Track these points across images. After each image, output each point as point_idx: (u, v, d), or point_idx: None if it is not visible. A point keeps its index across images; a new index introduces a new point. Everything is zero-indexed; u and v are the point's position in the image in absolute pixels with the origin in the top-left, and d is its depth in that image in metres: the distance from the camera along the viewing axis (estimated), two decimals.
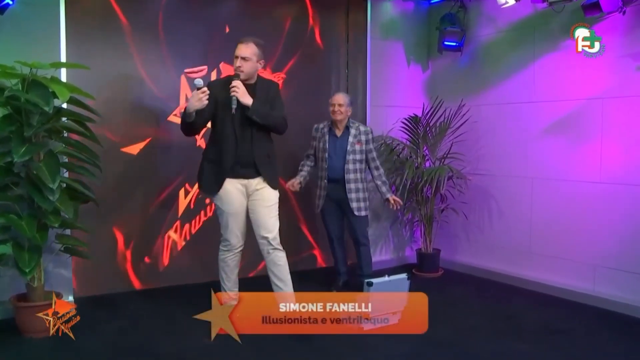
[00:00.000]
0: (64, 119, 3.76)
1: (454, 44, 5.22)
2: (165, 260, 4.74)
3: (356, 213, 4.49)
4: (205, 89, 3.46)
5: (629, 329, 3.95)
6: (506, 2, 4.42)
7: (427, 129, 5.23)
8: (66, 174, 3.90)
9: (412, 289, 3.86)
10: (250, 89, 3.65)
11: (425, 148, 5.31)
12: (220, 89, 3.65)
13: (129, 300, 4.41)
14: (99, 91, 4.15)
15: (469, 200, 5.30)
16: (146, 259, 4.65)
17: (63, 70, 4.07)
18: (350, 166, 4.45)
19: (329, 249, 4.87)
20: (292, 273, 3.83)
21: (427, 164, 5.35)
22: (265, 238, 3.72)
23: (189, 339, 3.70)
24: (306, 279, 4.84)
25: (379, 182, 4.59)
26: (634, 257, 4.19)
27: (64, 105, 3.74)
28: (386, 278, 3.79)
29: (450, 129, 5.24)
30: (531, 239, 4.92)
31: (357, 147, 4.47)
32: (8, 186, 3.61)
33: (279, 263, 3.73)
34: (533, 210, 4.90)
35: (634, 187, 4.17)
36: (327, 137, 4.51)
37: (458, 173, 5.12)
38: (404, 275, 3.85)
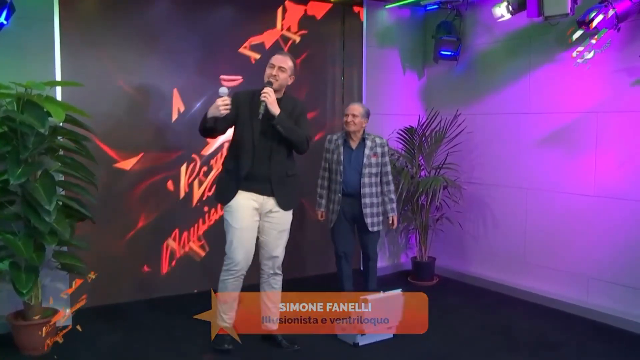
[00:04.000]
0: (59, 137, 3.75)
1: (449, 53, 5.21)
2: (164, 269, 4.76)
3: (370, 229, 4.33)
4: (226, 99, 3.36)
5: (622, 342, 4.00)
6: (502, 16, 4.41)
7: (423, 138, 5.25)
8: (62, 192, 3.89)
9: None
10: (277, 102, 3.50)
11: (420, 158, 5.33)
12: (245, 99, 3.56)
13: (128, 311, 4.44)
14: (94, 106, 4.17)
15: (464, 210, 5.33)
16: (145, 268, 4.67)
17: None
18: (366, 180, 4.29)
19: (335, 265, 4.59)
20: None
21: (423, 173, 5.37)
22: (272, 262, 3.70)
23: (189, 351, 3.75)
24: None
25: (386, 198, 4.42)
26: (627, 270, 4.23)
27: (60, 123, 3.73)
28: (381, 294, 3.83)
29: (445, 138, 5.26)
30: (525, 248, 4.96)
31: (373, 160, 4.30)
32: (3, 205, 3.60)
33: (275, 287, 3.75)
34: (527, 221, 4.93)
35: (628, 201, 4.20)
36: (341, 149, 4.32)
37: (453, 183, 5.15)
38: (398, 291, 3.89)
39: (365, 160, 4.29)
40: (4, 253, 3.62)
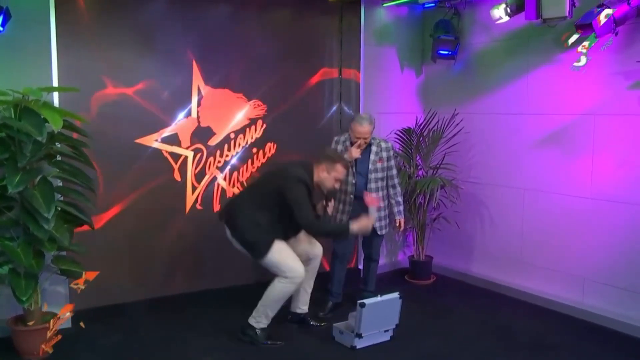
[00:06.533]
0: (57, 143, 3.74)
1: (447, 52, 5.19)
2: (162, 268, 4.80)
3: (379, 232, 4.36)
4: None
5: (617, 344, 4.05)
6: (500, 18, 4.39)
7: (421, 138, 5.25)
8: (60, 198, 3.89)
9: (405, 295, 3.95)
10: None
11: (418, 157, 5.34)
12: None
13: (128, 311, 4.47)
14: (93, 107, 4.20)
15: (462, 209, 5.34)
16: (144, 267, 4.72)
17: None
18: (373, 185, 4.29)
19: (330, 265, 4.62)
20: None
21: (420, 173, 5.38)
22: (319, 250, 4.18)
23: (189, 351, 3.79)
24: None
25: (393, 201, 4.44)
26: (623, 272, 4.26)
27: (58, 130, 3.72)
28: (379, 298, 3.86)
29: (443, 138, 5.26)
30: (522, 248, 4.98)
31: (379, 165, 4.30)
32: (2, 211, 3.59)
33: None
34: (524, 221, 4.95)
35: (624, 204, 4.22)
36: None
37: (450, 183, 5.16)
38: (396, 295, 3.92)
39: (370, 165, 4.28)
40: (4, 258, 3.61)
